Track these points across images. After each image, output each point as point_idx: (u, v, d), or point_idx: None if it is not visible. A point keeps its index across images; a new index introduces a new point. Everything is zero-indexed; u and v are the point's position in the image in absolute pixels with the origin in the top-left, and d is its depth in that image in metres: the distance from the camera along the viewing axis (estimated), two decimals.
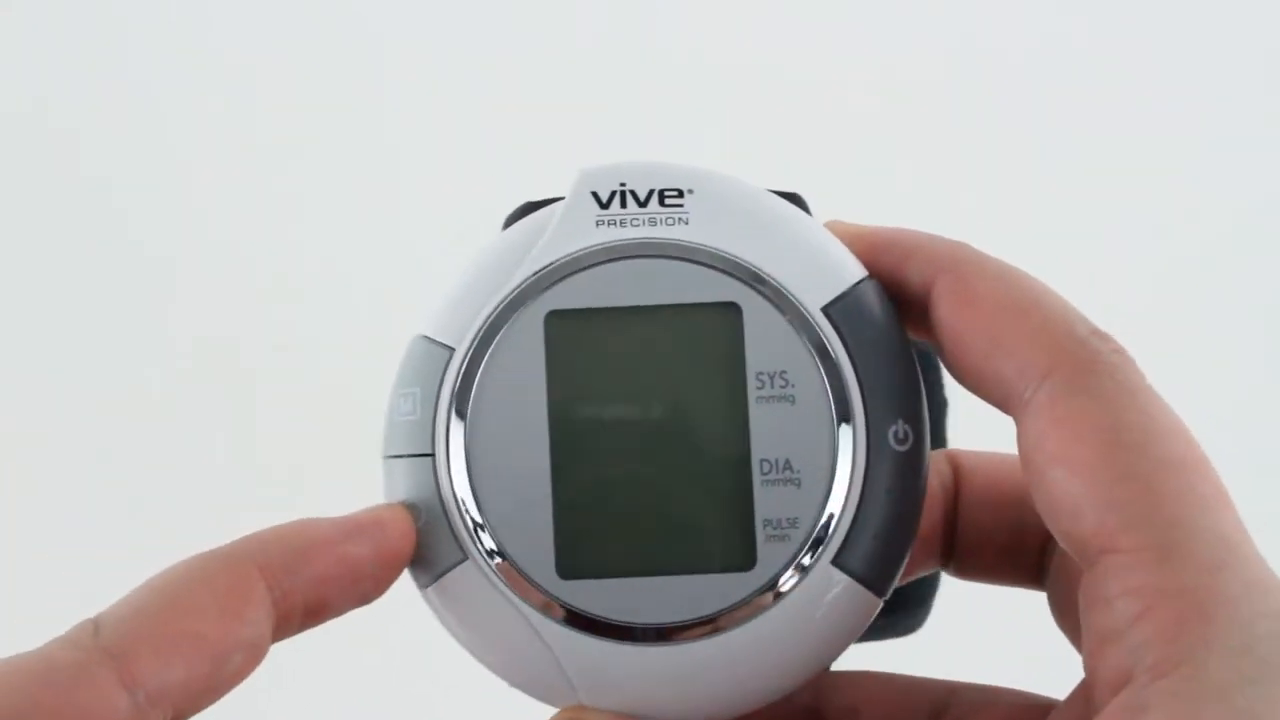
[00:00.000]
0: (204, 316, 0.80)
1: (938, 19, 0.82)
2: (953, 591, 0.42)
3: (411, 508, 0.34)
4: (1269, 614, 0.28)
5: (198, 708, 0.31)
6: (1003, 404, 0.33)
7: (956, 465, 0.39)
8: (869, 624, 0.35)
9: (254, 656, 0.31)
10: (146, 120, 0.81)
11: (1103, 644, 0.30)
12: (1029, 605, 0.40)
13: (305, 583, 0.32)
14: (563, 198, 0.36)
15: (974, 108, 0.81)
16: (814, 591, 0.34)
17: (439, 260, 0.49)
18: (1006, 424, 0.35)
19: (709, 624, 0.34)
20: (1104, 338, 0.32)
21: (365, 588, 0.33)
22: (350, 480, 0.39)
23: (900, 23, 0.82)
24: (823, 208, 0.38)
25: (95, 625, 0.30)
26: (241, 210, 0.80)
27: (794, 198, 0.37)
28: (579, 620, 0.34)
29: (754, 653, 0.34)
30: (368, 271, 0.79)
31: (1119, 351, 0.32)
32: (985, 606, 0.48)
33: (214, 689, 0.31)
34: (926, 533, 0.37)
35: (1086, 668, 0.31)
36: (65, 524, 0.75)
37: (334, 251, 0.80)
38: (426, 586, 0.35)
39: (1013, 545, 0.38)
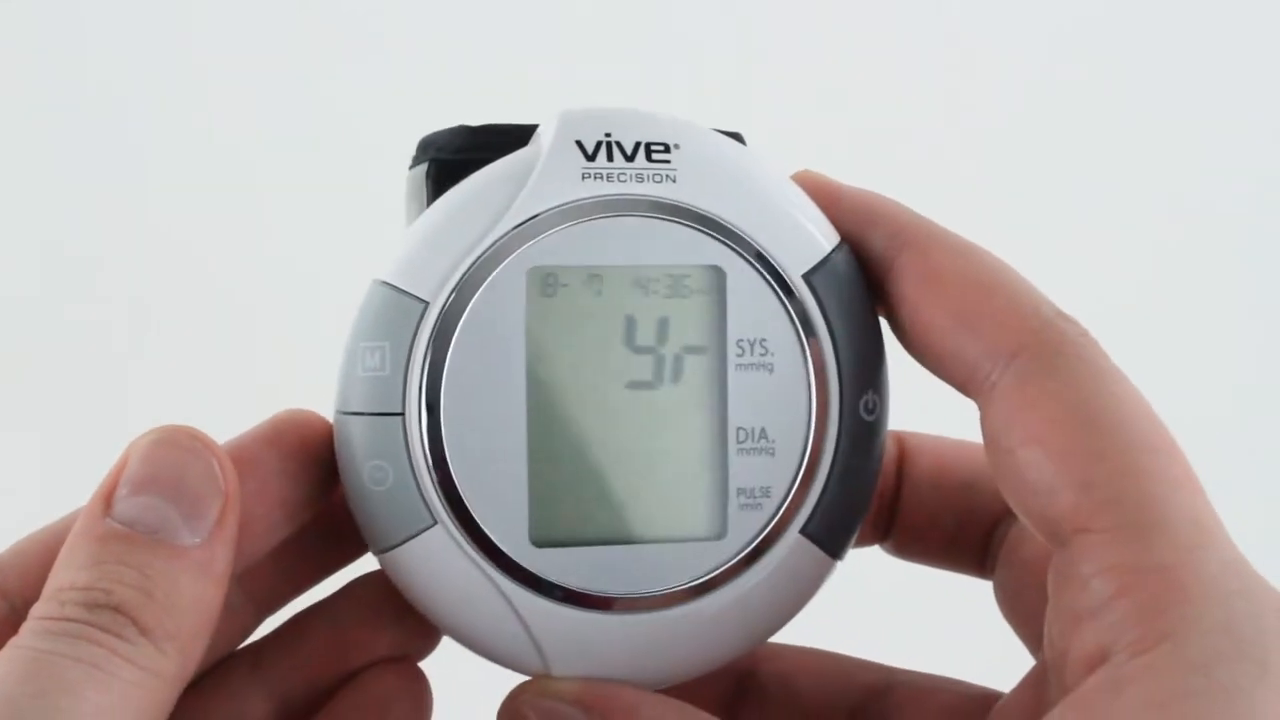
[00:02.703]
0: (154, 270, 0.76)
1: None
2: (896, 578, 0.42)
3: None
4: (1245, 593, 0.29)
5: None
6: (964, 384, 0.33)
7: (902, 445, 0.39)
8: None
9: None
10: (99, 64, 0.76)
11: (1077, 622, 0.30)
12: (971, 594, 0.40)
13: None
14: (509, 125, 0.35)
15: (950, 75, 0.81)
16: (782, 559, 0.34)
17: (377, 201, 0.46)
18: (951, 405, 0.35)
19: (679, 593, 0.34)
20: (1069, 319, 0.32)
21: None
22: None
23: None
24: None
25: None
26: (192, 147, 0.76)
27: (735, 137, 0.36)
28: (551, 589, 0.33)
29: (722, 620, 0.34)
30: (307, 214, 0.76)
31: (1084, 334, 0.32)
32: (928, 594, 0.48)
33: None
34: None
35: (1054, 650, 0.31)
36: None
37: (281, 190, 0.77)
38: (390, 549, 0.33)
39: (957, 530, 0.38)
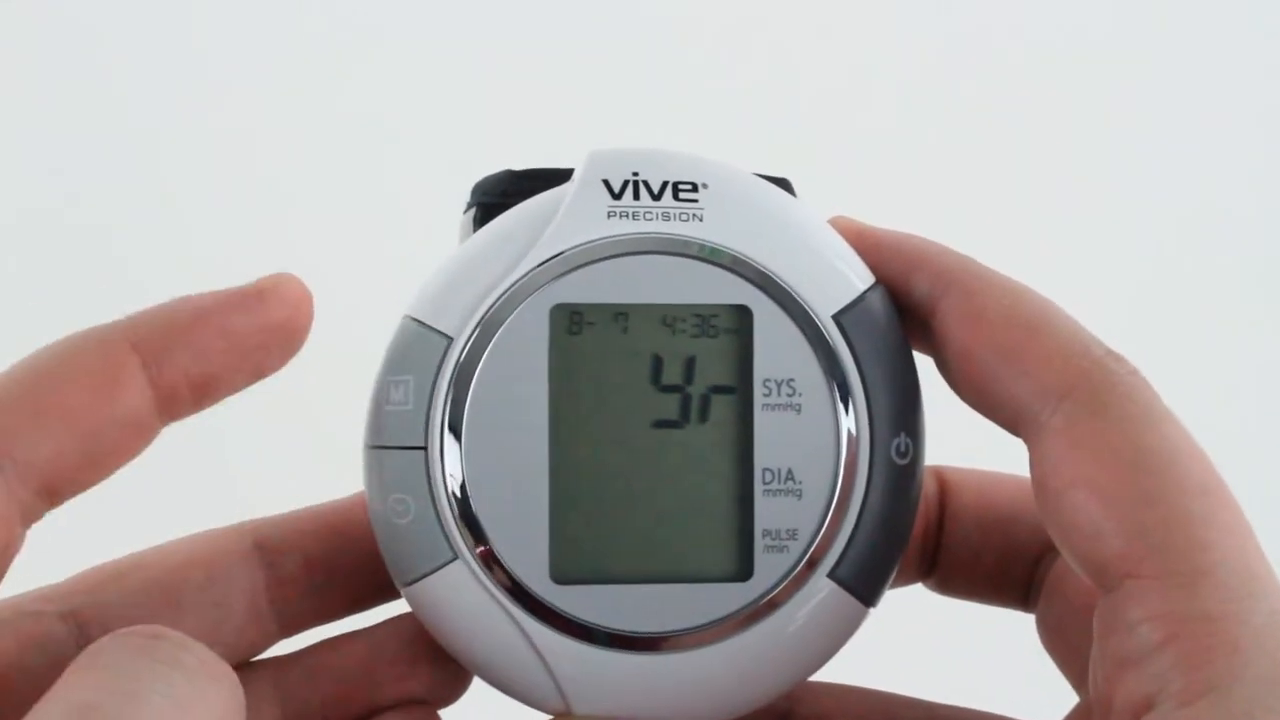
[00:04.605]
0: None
1: (943, 12, 0.81)
2: (936, 611, 0.41)
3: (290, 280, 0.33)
4: None
5: (78, 484, 0.31)
6: (1012, 425, 0.32)
7: (943, 481, 0.39)
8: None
9: (135, 434, 0.32)
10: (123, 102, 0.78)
11: (1122, 669, 0.29)
12: (1014, 627, 0.39)
13: (185, 358, 0.32)
14: (551, 169, 0.35)
15: (978, 103, 0.80)
16: (809, 603, 0.34)
17: (418, 239, 0.47)
18: (992, 438, 0.34)
19: (703, 634, 0.33)
20: (1119, 359, 0.32)
21: (256, 360, 0.32)
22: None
23: (905, 16, 0.80)
24: (812, 198, 0.36)
25: None
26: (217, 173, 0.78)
27: (782, 183, 0.36)
28: (571, 627, 0.33)
29: (746, 663, 0.34)
30: (354, 248, 0.77)
31: (1134, 373, 0.32)
32: (969, 627, 0.47)
33: (91, 465, 0.31)
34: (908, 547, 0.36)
35: (1099, 693, 0.30)
36: None
37: (317, 225, 0.77)
38: (411, 583, 0.33)
39: (1000, 565, 0.38)
